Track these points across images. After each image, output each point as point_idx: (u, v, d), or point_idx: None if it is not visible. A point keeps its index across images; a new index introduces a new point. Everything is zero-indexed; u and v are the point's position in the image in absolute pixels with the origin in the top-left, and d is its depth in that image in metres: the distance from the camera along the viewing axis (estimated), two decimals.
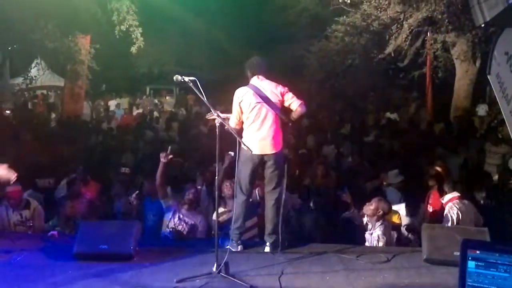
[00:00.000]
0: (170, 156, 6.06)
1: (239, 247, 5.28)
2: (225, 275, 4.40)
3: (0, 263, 4.85)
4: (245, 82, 5.36)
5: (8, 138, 10.46)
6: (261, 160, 5.18)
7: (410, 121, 14.18)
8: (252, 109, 5.14)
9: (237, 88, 5.30)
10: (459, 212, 5.82)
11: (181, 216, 6.14)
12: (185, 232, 6.05)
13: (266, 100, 5.14)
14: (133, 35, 12.40)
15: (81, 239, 4.94)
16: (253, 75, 5.30)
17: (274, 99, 5.18)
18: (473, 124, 13.16)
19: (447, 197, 6.08)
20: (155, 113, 17.87)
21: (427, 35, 13.46)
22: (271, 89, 5.21)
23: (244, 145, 4.89)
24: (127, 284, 4.36)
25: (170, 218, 6.16)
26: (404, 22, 11.96)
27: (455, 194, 6.05)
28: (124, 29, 12.23)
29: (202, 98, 4.61)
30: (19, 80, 16.35)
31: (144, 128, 13.43)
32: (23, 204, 6.33)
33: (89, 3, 12.10)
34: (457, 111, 14.25)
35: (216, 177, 4.83)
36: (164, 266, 4.81)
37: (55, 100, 21.08)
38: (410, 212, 6.47)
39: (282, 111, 5.23)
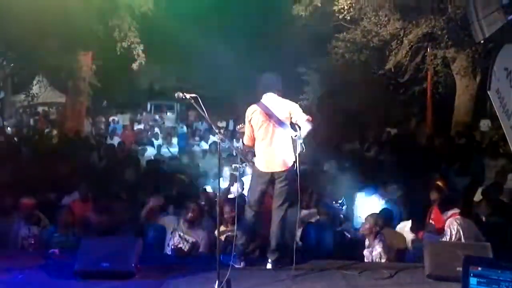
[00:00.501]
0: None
1: (242, 263, 5.26)
2: None
3: (2, 281, 4.84)
4: (251, 100, 5.37)
5: (10, 155, 10.49)
6: (271, 177, 5.19)
7: (410, 136, 14.22)
8: (260, 127, 5.18)
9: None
10: (459, 228, 5.82)
11: (181, 234, 6.12)
12: (186, 250, 6.03)
13: (273, 117, 5.16)
14: (134, 52, 12.49)
15: (82, 257, 4.93)
16: (263, 92, 5.32)
17: (282, 116, 5.19)
18: (474, 139, 13.19)
19: (449, 212, 6.08)
20: (156, 129, 17.91)
21: (427, 50, 13.56)
22: (279, 106, 5.23)
23: (250, 162, 4.91)
24: None
25: (170, 238, 6.16)
26: (404, 38, 12.07)
27: (456, 210, 6.04)
28: (126, 46, 12.33)
29: (203, 114, 4.63)
30: (21, 97, 16.45)
31: (144, 144, 13.47)
32: (35, 219, 6.44)
33: (91, 20, 12.19)
34: (457, 126, 14.29)
35: (218, 194, 4.85)
36: (166, 283, 4.79)
37: (56, 116, 21.18)
38: (416, 226, 6.45)
39: (290, 127, 5.22)
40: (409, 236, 6.43)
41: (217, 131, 4.89)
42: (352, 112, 17.71)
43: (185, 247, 6.06)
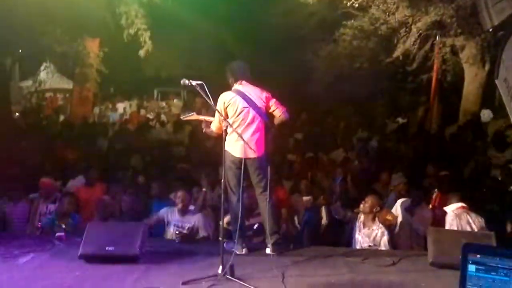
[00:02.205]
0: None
1: (244, 250, 5.32)
2: (231, 278, 4.44)
3: (8, 265, 4.92)
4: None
5: (17, 140, 10.59)
6: (245, 164, 5.20)
7: (419, 125, 14.18)
8: (239, 113, 5.18)
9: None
10: (462, 223, 5.83)
11: (176, 223, 6.18)
12: (186, 232, 6.06)
13: (252, 105, 5.20)
14: (141, 39, 12.48)
15: (88, 241, 5.00)
16: (235, 80, 5.33)
17: (260, 104, 5.25)
18: (481, 128, 13.14)
19: (453, 206, 6.08)
20: (162, 116, 17.96)
21: (435, 38, 13.44)
22: (256, 94, 5.27)
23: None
24: (134, 286, 4.42)
25: (166, 230, 6.23)
26: (412, 26, 11.96)
27: (460, 204, 6.03)
28: (133, 33, 12.32)
29: (209, 102, 4.69)
30: (29, 83, 16.52)
31: (147, 130, 13.57)
32: (53, 198, 6.77)
33: (98, 7, 12.19)
34: (465, 115, 14.22)
35: (222, 180, 4.90)
36: (170, 268, 4.87)
37: (63, 102, 21.29)
38: (404, 207, 6.44)
39: (267, 116, 5.31)
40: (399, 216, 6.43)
41: (222, 118, 4.94)
42: (359, 101, 17.67)
43: (183, 232, 6.11)
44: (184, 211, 6.27)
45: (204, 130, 5.37)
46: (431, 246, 4.95)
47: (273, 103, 5.30)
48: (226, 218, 5.49)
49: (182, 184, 7.23)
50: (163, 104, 22.96)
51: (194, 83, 4.68)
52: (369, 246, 5.86)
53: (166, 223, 6.25)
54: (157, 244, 5.56)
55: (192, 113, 5.52)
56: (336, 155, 10.37)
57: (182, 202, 6.25)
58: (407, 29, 12.16)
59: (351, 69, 15.31)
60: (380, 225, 5.87)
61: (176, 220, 6.20)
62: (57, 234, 5.76)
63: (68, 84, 19.34)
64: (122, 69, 21.75)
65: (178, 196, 6.35)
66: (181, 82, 4.75)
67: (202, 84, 4.67)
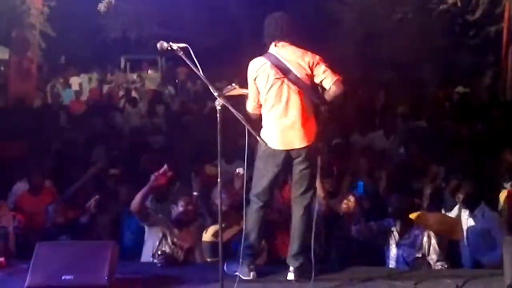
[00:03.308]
0: (169, 173, 6.09)
1: (251, 273, 5.30)
2: None
3: None
4: (260, 51, 5.31)
5: None
6: (288, 157, 5.18)
7: (488, 95, 14.13)
8: (271, 87, 5.12)
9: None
10: None
11: (175, 239, 6.22)
12: (180, 259, 6.13)
13: (289, 74, 5.12)
14: None
15: (37, 268, 4.99)
16: (272, 39, 5.26)
17: (301, 73, 5.14)
18: None
19: None
20: (133, 93, 17.97)
21: None
22: (296, 59, 5.17)
23: (258, 137, 4.92)
24: None
25: (159, 243, 6.25)
26: None
27: None
28: None
29: (196, 71, 4.66)
30: None
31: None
32: None
33: None
34: None
35: (218, 178, 4.88)
36: None
37: None
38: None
39: (312, 89, 5.20)
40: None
41: (216, 93, 4.90)
42: (403, 65, 17.61)
43: (180, 256, 6.17)
44: (185, 225, 6.34)
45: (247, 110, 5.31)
46: (508, 262, 4.91)
47: (320, 70, 5.15)
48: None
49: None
50: (134, 76, 22.92)
51: (175, 46, 4.66)
52: (417, 258, 5.86)
53: (160, 235, 6.27)
54: (132, 270, 5.56)
55: (234, 85, 5.40)
56: (373, 139, 10.35)
57: (186, 211, 6.36)
58: None
59: (391, 22, 15.24)
60: (421, 227, 5.88)
61: (174, 235, 6.25)
62: None
63: (2, 53, 19.30)
64: (76, 30, 21.73)
65: (181, 206, 6.42)
66: (158, 46, 4.72)
67: (186, 47, 4.64)
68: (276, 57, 5.17)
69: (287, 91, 5.12)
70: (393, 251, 6.01)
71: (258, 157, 5.22)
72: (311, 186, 5.27)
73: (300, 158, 5.19)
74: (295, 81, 5.12)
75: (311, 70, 5.16)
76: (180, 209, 6.32)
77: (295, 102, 5.14)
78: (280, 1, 17.17)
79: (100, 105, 15.24)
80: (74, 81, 20.75)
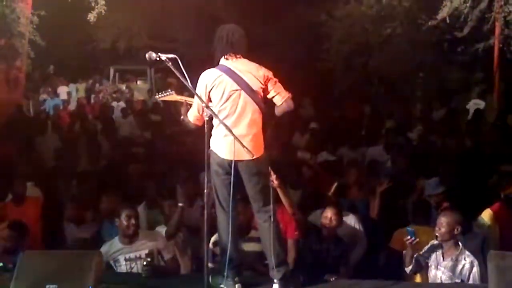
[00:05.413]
0: None
1: (236, 285, 5.30)
2: None
3: None
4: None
5: None
6: (236, 168, 5.09)
7: (475, 111, 14.20)
8: (227, 99, 5.08)
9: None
10: None
11: (126, 255, 6.16)
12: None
13: (245, 87, 5.10)
14: None
15: (21, 277, 4.97)
16: (222, 53, 5.20)
17: (256, 86, 5.13)
18: None
19: None
20: (121, 103, 17.98)
21: None
22: (250, 70, 5.15)
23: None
24: None
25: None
26: None
27: None
28: None
29: (185, 82, 4.67)
30: None
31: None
32: None
33: None
34: None
35: (205, 191, 4.88)
36: None
37: None
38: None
39: (263, 102, 5.19)
40: None
41: (203, 104, 4.92)
42: (391, 78, 17.69)
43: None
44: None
45: (182, 117, 5.30)
46: (493, 277, 4.92)
47: (273, 85, 5.18)
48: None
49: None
50: (123, 87, 22.92)
51: (164, 57, 4.67)
52: (456, 283, 5.65)
53: (113, 262, 6.18)
54: (117, 280, 5.54)
55: (171, 92, 5.41)
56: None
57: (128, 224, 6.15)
58: None
59: (379, 37, 15.31)
60: (467, 252, 5.74)
61: (124, 252, 6.16)
62: None
63: None
64: (65, 40, 21.72)
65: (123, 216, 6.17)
66: (147, 56, 4.72)
67: (175, 58, 4.66)
68: (231, 69, 5.12)
69: (242, 103, 5.09)
70: (432, 271, 5.85)
71: (211, 169, 5.13)
72: (266, 201, 5.21)
73: (251, 171, 5.16)
74: (250, 93, 5.10)
75: (265, 84, 5.16)
76: (124, 223, 6.13)
77: (247, 114, 5.12)
78: (268, 13, 17.33)
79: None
80: (62, 90, 20.76)
